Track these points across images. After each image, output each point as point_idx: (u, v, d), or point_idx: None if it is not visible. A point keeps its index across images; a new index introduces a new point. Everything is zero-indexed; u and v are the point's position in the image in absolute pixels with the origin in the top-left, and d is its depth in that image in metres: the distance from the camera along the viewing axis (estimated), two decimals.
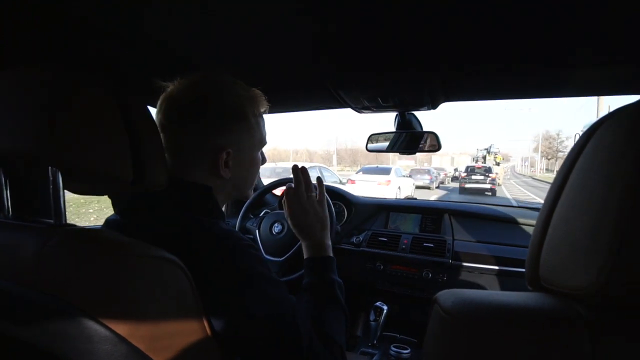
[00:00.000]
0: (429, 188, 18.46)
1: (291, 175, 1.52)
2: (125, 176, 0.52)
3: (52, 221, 0.51)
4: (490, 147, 33.85)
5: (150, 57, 0.92)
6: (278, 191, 1.72)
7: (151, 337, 0.47)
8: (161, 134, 0.62)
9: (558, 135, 54.05)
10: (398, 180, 12.15)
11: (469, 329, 0.31)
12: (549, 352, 0.29)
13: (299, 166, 0.86)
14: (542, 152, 51.40)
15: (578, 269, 0.30)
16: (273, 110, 1.54)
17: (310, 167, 9.40)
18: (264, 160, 0.78)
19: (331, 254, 0.82)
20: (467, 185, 17.55)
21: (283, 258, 1.25)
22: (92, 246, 0.45)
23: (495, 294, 0.34)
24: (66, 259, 0.44)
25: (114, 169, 0.50)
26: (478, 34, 0.75)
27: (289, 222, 0.84)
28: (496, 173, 18.89)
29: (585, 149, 0.35)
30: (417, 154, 1.57)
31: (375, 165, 15.58)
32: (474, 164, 22.59)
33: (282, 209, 1.63)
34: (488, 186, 17.22)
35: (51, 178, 0.48)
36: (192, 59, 0.94)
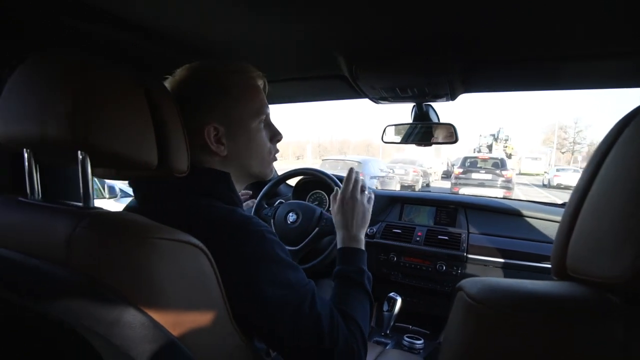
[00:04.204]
0: None
1: (302, 166, 1.54)
2: (150, 161, 0.53)
3: (80, 204, 0.52)
4: (499, 132, 24.77)
5: (165, 47, 0.92)
6: (292, 182, 1.73)
7: (176, 319, 0.48)
8: None
9: (576, 123, 44.31)
10: None
11: (497, 316, 0.31)
12: (580, 340, 0.29)
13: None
14: (555, 143, 41.98)
15: (611, 258, 0.30)
16: (291, 100, 1.54)
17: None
18: (278, 135, 0.76)
19: (364, 248, 0.85)
20: (464, 191, 10.29)
21: (298, 247, 1.26)
22: (122, 229, 0.46)
23: (522, 282, 0.34)
24: (97, 240, 0.46)
25: (140, 153, 0.52)
26: (502, 19, 0.73)
27: (336, 209, 0.89)
28: (512, 169, 11.16)
29: (620, 139, 0.34)
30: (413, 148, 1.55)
31: None
32: (475, 154, 13.79)
33: (297, 199, 1.64)
34: (500, 192, 9.77)
35: (80, 162, 0.49)
36: (204, 49, 0.94)
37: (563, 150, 44.58)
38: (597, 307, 0.30)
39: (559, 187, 15.60)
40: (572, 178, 14.89)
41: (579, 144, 42.91)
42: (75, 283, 0.46)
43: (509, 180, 10.21)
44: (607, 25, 0.73)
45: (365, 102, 1.33)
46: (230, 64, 0.69)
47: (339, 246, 0.85)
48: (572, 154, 42.82)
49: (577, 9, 0.67)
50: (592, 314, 0.30)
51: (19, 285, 0.54)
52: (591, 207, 0.34)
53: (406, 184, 12.44)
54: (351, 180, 0.90)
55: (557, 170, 17.27)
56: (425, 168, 15.04)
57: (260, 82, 0.72)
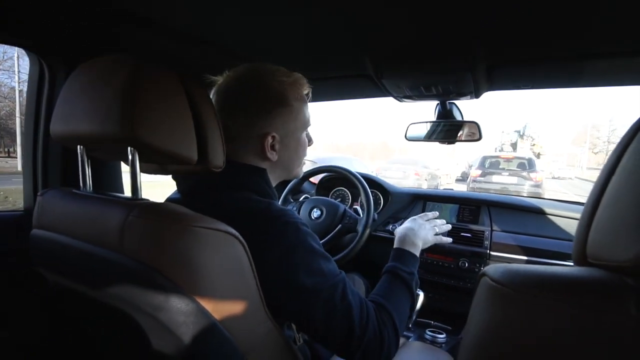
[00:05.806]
0: None
1: (327, 164, 1.56)
2: (191, 156, 0.57)
3: (127, 195, 0.58)
4: (525, 128, 22.04)
5: (204, 52, 0.98)
6: (315, 179, 1.77)
7: (216, 304, 0.52)
8: None
9: (610, 121, 40.90)
10: None
11: (520, 297, 0.33)
12: (597, 316, 0.31)
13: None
14: (587, 142, 37.63)
15: (627, 243, 0.32)
16: (315, 99, 1.57)
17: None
18: (310, 141, 0.82)
19: (418, 255, 0.90)
20: None
21: (321, 242, 1.29)
22: (170, 218, 0.51)
23: (542, 267, 0.36)
24: (147, 228, 0.50)
25: (182, 149, 0.56)
26: (529, 18, 0.73)
27: (410, 219, 1.04)
28: (541, 171, 9.32)
29: (638, 134, 0.36)
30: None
31: None
32: (496, 153, 12.31)
33: (321, 195, 1.68)
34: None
35: (130, 157, 0.54)
36: (238, 52, 0.99)
37: (595, 151, 41.54)
38: (613, 287, 0.32)
39: (557, 178, 24.06)
40: (563, 171, 25.36)
41: (613, 143, 39.51)
42: (127, 268, 0.51)
43: (538, 185, 8.50)
44: (636, 21, 0.73)
45: (384, 104, 1.35)
46: (285, 73, 0.73)
47: (396, 245, 0.91)
48: (606, 155, 39.27)
49: (605, 5, 0.67)
50: (609, 294, 0.32)
51: (78, 270, 0.60)
52: (611, 197, 0.36)
53: None
54: (428, 216, 1.08)
55: (558, 169, 26.71)
56: (432, 170, 12.28)
57: (307, 93, 0.78)
